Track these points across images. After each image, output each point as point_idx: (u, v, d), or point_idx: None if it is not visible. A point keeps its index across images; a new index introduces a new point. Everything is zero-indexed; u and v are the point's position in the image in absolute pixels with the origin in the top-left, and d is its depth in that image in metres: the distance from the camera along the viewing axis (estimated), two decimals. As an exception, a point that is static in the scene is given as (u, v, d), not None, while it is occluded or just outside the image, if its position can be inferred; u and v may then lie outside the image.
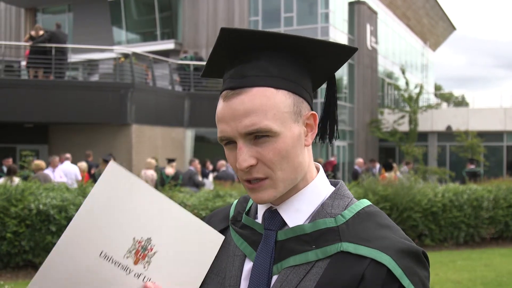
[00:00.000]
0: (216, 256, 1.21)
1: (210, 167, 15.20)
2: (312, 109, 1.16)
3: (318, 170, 1.19)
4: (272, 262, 1.11)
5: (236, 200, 1.33)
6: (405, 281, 1.00)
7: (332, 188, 1.18)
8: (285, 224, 1.14)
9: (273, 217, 1.15)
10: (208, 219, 1.32)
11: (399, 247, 1.03)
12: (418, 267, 1.04)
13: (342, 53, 1.16)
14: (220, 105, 1.10)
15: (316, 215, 1.12)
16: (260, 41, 1.09)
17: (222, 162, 13.96)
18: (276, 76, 1.08)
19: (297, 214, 1.13)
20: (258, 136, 1.06)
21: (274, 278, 1.10)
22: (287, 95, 1.09)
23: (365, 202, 1.15)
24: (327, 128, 1.24)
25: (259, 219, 1.19)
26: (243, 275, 1.15)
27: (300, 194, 1.14)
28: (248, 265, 1.15)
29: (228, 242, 1.23)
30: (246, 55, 1.10)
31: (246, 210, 1.25)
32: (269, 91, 1.07)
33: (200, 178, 12.61)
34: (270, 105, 1.06)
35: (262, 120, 1.05)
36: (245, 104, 1.06)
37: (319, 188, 1.16)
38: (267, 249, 1.13)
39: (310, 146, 1.16)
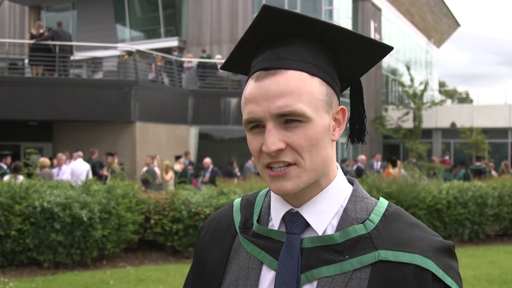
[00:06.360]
0: (226, 268, 1.14)
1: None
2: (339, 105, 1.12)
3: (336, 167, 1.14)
4: (300, 270, 1.05)
5: (238, 203, 1.24)
6: (447, 279, 1.02)
7: (350, 187, 1.13)
8: (307, 226, 1.08)
9: (295, 220, 1.08)
10: (208, 227, 1.24)
11: (435, 247, 1.04)
12: (452, 261, 1.05)
13: (376, 51, 1.11)
14: (250, 85, 1.05)
15: (342, 223, 1.07)
16: (297, 25, 1.05)
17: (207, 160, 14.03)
18: (311, 63, 1.05)
19: (320, 215, 1.07)
20: (289, 120, 1.01)
21: (305, 287, 1.04)
22: (321, 83, 1.06)
23: (385, 202, 1.12)
24: (355, 130, 1.23)
25: (275, 226, 1.11)
26: (262, 287, 1.08)
27: (323, 194, 1.08)
28: (267, 276, 1.08)
29: (238, 252, 1.15)
30: (281, 38, 1.07)
31: (257, 217, 1.16)
32: (304, 76, 1.03)
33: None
34: (305, 90, 1.02)
35: (296, 103, 1.00)
36: (280, 84, 1.01)
37: (340, 187, 1.11)
38: (293, 255, 1.06)
39: (335, 143, 1.12)
